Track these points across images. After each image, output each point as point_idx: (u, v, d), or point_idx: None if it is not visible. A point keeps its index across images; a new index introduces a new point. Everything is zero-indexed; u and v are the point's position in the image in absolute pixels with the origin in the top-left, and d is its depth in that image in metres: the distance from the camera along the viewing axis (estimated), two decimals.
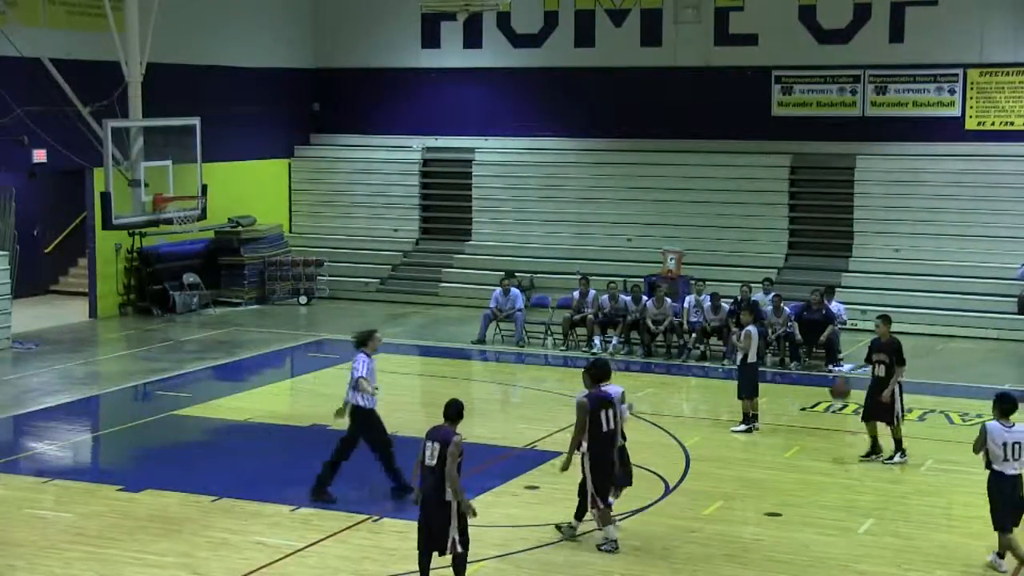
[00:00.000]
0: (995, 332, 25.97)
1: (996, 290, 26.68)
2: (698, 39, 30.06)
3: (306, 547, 13.65)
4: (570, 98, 31.27)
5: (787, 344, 23.33)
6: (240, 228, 29.99)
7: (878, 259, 28.13)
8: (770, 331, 23.26)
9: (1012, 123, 27.93)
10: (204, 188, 26.88)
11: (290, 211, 33.27)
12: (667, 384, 22.51)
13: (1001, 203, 27.62)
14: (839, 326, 23.60)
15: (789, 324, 23.38)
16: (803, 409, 20.22)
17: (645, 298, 24.60)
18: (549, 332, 25.24)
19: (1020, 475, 12.86)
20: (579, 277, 25.55)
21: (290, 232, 32.56)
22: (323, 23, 33.45)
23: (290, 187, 33.31)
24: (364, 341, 15.94)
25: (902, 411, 17.00)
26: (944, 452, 17.70)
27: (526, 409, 20.37)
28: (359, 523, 14.39)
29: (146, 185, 25.87)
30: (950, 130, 28.36)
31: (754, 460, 17.03)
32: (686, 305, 24.19)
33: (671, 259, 26.83)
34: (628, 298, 24.58)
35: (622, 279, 26.29)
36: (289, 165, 33.33)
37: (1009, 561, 13.13)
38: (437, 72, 32.38)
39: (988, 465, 12.93)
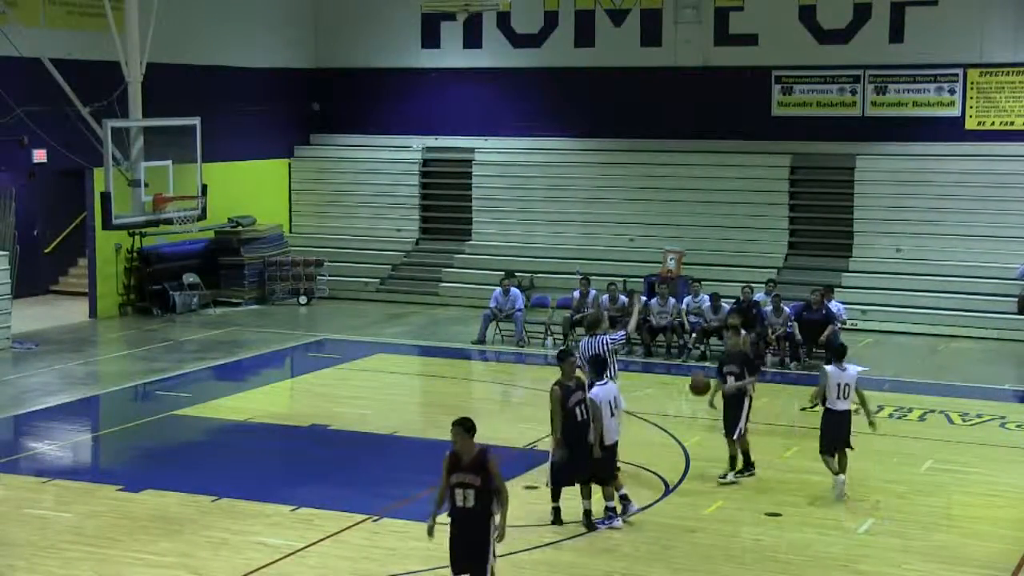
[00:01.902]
0: (995, 332, 25.96)
1: (996, 290, 26.68)
2: (698, 39, 30.06)
3: (306, 547, 13.64)
4: (570, 98, 31.27)
5: (787, 344, 23.33)
6: (240, 228, 29.99)
7: (878, 259, 28.12)
8: (770, 331, 23.29)
9: (1012, 123, 27.93)
10: (204, 188, 26.92)
11: (290, 211, 33.27)
12: (667, 384, 22.50)
13: (1001, 203, 27.61)
14: (839, 326, 23.60)
15: (789, 324, 23.39)
16: (803, 409, 20.15)
17: (644, 298, 24.59)
18: (549, 332, 25.23)
19: (848, 411, 15.35)
20: (580, 277, 25.54)
21: (290, 232, 32.56)
22: (323, 23, 33.46)
23: (290, 187, 33.31)
24: (596, 324, 16.61)
25: (745, 426, 15.94)
26: (944, 452, 17.72)
27: (526, 409, 20.33)
28: (359, 523, 14.38)
29: (146, 185, 25.92)
30: (950, 130, 28.36)
31: (755, 460, 17.00)
32: (684, 306, 24.21)
33: (671, 259, 26.83)
34: (626, 300, 24.57)
35: (622, 279, 26.30)
36: (289, 165, 33.33)
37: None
38: (437, 72, 32.39)
39: (823, 403, 15.37)
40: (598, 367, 14.71)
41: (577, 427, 14.15)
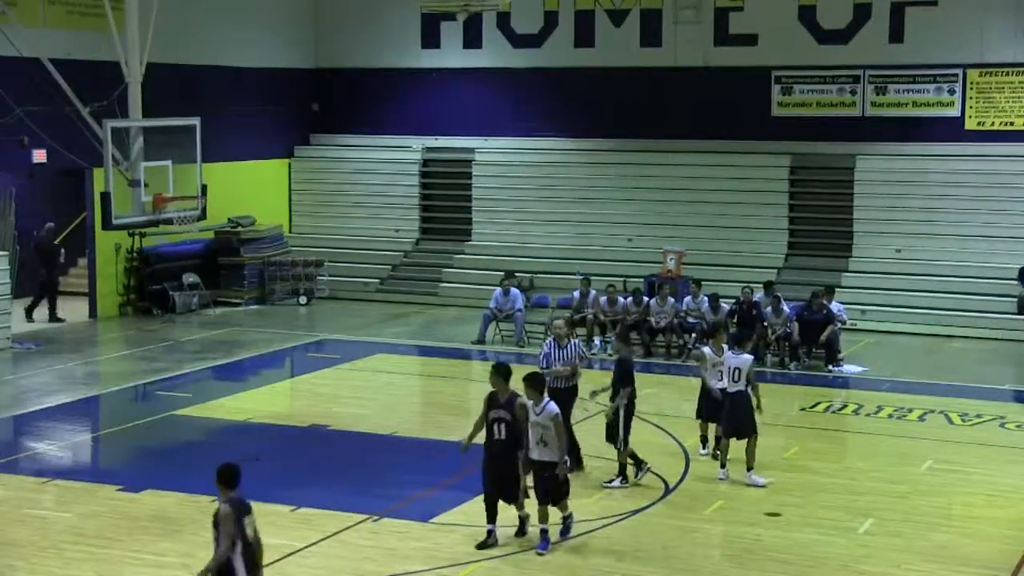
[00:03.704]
0: (995, 332, 25.96)
1: (996, 290, 26.68)
2: (698, 39, 30.06)
3: (306, 547, 13.64)
4: (570, 98, 31.27)
5: (787, 344, 23.33)
6: (240, 228, 29.99)
7: (878, 259, 28.13)
8: (770, 331, 23.31)
9: (1012, 123, 27.93)
10: (204, 188, 26.89)
11: (290, 211, 33.27)
12: (667, 384, 22.50)
13: (1001, 203, 27.63)
14: (839, 326, 23.61)
15: (789, 324, 23.39)
16: (803, 409, 20.22)
17: (646, 298, 24.60)
18: (549, 332, 25.18)
19: (742, 392, 15.97)
20: (580, 277, 25.55)
21: (290, 232, 32.56)
22: (323, 23, 33.46)
23: (290, 187, 33.31)
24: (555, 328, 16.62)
25: (626, 435, 15.63)
26: (944, 452, 17.73)
27: None
28: (359, 523, 14.38)
29: (146, 185, 25.88)
30: (950, 130, 28.37)
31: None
32: (683, 307, 24.21)
33: (671, 259, 26.83)
34: (627, 300, 24.57)
35: (621, 280, 26.30)
36: (289, 165, 33.33)
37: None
38: (437, 72, 32.39)
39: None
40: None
41: (492, 443, 13.64)
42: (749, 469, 15.95)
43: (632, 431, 15.83)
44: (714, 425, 16.92)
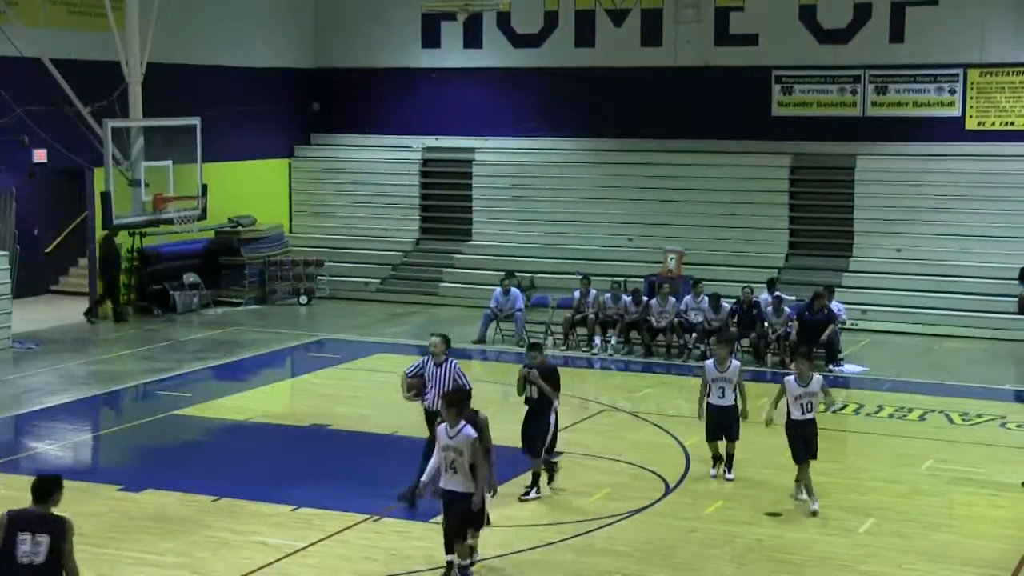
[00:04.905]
0: (995, 332, 25.95)
1: (995, 290, 26.67)
2: (698, 39, 30.06)
3: (306, 547, 13.63)
4: (570, 98, 31.26)
5: (787, 344, 23.31)
6: (240, 228, 29.98)
7: (878, 259, 28.12)
8: (770, 331, 23.30)
9: (1012, 123, 27.93)
10: (204, 188, 26.91)
11: (290, 211, 33.27)
12: (667, 384, 22.50)
13: (1001, 203, 27.61)
14: (840, 326, 23.60)
15: (789, 324, 23.38)
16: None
17: (646, 298, 24.59)
18: (549, 332, 25.24)
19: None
20: (580, 277, 25.54)
21: (290, 232, 32.55)
22: (323, 23, 33.46)
23: (290, 187, 33.31)
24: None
25: (553, 442, 15.14)
26: (944, 452, 17.71)
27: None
28: (359, 523, 14.38)
29: (146, 185, 25.92)
30: (950, 130, 28.36)
31: (754, 460, 16.97)
32: (684, 307, 24.21)
33: (672, 259, 26.82)
34: (629, 299, 24.58)
35: (623, 279, 26.30)
36: (289, 165, 33.33)
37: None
38: (437, 72, 32.39)
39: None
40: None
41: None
42: (810, 492, 15.08)
43: (629, 430, 15.80)
44: (723, 443, 16.26)
